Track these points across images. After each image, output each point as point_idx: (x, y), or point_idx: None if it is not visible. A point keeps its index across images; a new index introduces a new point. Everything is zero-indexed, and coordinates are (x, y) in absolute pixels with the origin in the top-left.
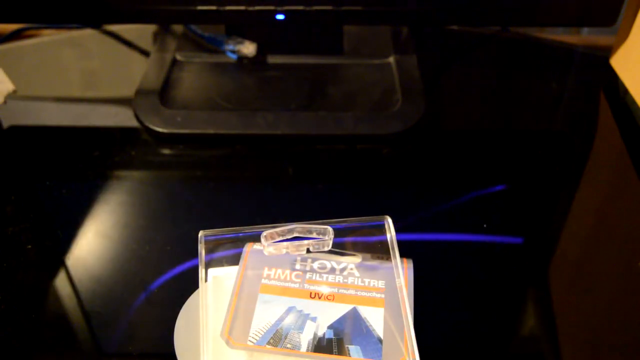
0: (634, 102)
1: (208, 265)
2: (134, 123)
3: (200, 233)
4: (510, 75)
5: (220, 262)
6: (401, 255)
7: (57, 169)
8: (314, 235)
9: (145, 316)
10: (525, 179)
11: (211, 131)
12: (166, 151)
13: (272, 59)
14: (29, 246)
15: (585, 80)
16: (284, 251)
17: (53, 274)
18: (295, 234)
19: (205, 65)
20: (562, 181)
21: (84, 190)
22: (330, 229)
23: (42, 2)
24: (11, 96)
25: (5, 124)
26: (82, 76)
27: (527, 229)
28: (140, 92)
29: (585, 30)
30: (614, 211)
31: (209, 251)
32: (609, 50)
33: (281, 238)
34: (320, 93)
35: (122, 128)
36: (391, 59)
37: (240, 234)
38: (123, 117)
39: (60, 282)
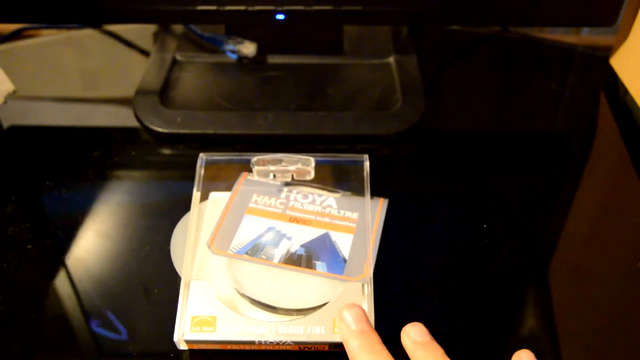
0: (634, 102)
1: (206, 188)
2: (134, 123)
3: (201, 155)
4: (510, 75)
5: (218, 187)
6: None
7: (57, 169)
8: (299, 165)
9: (145, 316)
10: (525, 179)
11: (211, 131)
12: (166, 151)
13: (272, 59)
14: (29, 246)
15: (585, 80)
16: (271, 175)
17: (53, 274)
18: (283, 162)
19: (205, 65)
20: (562, 181)
21: (84, 190)
22: (312, 159)
23: (42, 2)
24: (11, 96)
25: (5, 124)
26: (82, 76)
27: (527, 229)
28: (140, 92)
29: (585, 30)
30: (614, 211)
31: (207, 174)
32: (609, 50)
33: (269, 164)
34: (320, 93)
35: (122, 128)
36: (391, 59)
37: (236, 158)
38: (123, 117)
39: (60, 282)
